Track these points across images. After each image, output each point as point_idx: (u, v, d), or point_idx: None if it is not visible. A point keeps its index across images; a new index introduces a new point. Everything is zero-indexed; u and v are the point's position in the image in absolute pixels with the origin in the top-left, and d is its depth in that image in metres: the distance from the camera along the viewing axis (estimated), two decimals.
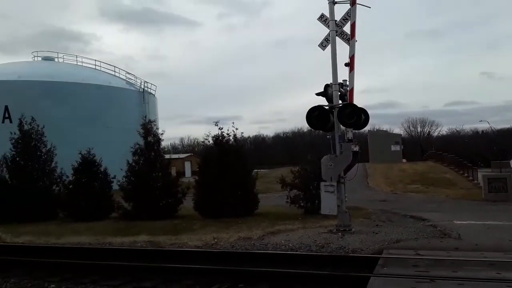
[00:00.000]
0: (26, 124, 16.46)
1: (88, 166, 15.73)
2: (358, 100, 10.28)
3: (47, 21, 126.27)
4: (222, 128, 14.85)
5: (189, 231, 11.62)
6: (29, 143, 16.27)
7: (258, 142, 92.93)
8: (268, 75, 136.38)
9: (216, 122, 14.94)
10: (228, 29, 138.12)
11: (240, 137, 15.48)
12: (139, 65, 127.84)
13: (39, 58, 39.23)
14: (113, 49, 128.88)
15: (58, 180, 16.29)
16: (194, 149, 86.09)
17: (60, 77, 33.02)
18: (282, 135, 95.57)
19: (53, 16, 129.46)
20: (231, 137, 14.94)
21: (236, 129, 14.97)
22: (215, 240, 9.61)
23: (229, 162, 14.27)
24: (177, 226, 12.64)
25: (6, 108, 30.14)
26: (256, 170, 15.70)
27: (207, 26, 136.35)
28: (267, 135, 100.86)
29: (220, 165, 14.21)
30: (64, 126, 28.33)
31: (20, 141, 16.25)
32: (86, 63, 38.84)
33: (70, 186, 15.68)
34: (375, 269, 5.97)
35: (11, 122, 28.09)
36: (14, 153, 16.22)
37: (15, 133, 16.34)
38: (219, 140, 14.82)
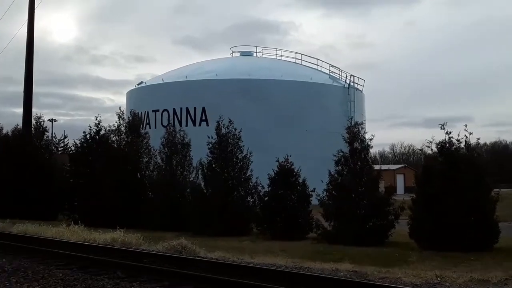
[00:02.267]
0: (223, 127, 18.45)
1: (285, 176, 16.73)
2: None
3: (242, 12, 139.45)
4: (450, 133, 13.97)
5: (403, 263, 11.28)
6: (226, 148, 18.20)
7: (497, 151, 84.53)
8: (509, 62, 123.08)
9: (442, 125, 14.08)
10: (454, 3, 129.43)
11: (475, 144, 14.32)
12: (341, 56, 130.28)
13: (238, 54, 43.71)
14: (312, 38, 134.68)
15: (253, 190, 17.78)
16: (408, 159, 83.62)
17: (258, 74, 36.16)
18: None
19: (248, 6, 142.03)
20: (462, 144, 13.96)
21: (470, 133, 13.90)
22: (438, 279, 9.10)
23: (459, 178, 13.34)
24: (388, 255, 12.42)
25: (203, 110, 34.40)
26: (496, 190, 14.32)
27: (426, 2, 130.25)
28: (511, 142, 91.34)
29: (446, 181, 13.41)
30: (259, 128, 30.90)
31: (217, 145, 18.31)
32: (286, 56, 41.69)
33: (266, 198, 16.94)
34: None
35: (207, 125, 31.92)
36: (211, 158, 18.37)
37: (212, 137, 18.48)
38: (445, 148, 13.99)
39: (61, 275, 9.37)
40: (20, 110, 28.42)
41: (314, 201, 16.59)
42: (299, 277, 8.78)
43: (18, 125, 27.82)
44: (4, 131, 27.93)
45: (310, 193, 16.69)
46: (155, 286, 8.30)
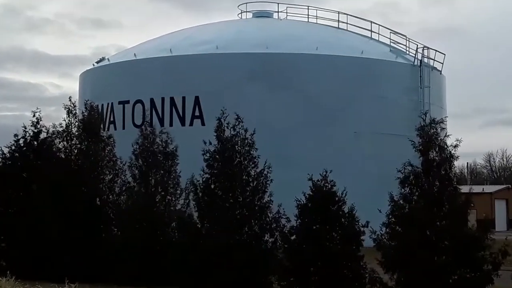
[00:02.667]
0: (227, 127, 18.55)
1: (323, 204, 16.63)
2: None
3: None
4: None
5: None
6: (232, 159, 18.37)
7: None
8: None
9: None
10: None
11: None
12: (409, 18, 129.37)
13: (249, 15, 43.81)
14: None
15: (274, 225, 17.78)
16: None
17: (280, 46, 36.19)
18: None
19: None
20: None
21: None
22: None
23: None
24: None
25: (197, 100, 34.40)
26: None
27: None
28: None
29: None
30: (282, 129, 30.94)
31: (217, 156, 18.51)
32: (323, 18, 41.65)
33: (293, 238, 16.87)
34: None
35: (203, 123, 32.33)
36: (208, 176, 18.47)
37: (210, 142, 18.54)
38: None
39: None
40: None
41: (367, 241, 16.48)
42: None
43: None
44: None
45: (362, 229, 16.60)
46: None
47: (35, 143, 22.67)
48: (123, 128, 34.34)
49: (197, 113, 34.37)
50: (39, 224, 20.65)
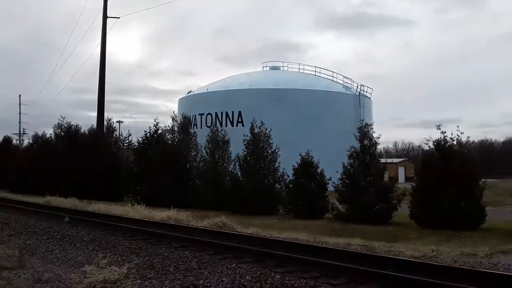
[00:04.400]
0: (256, 127, 18.53)
1: (306, 168, 16.69)
2: None
3: (269, 35, 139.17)
4: (445, 132, 13.76)
5: (405, 239, 11.12)
6: (258, 144, 18.27)
7: (485, 148, 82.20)
8: (491, 73, 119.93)
9: (438, 126, 13.87)
10: (446, 26, 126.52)
11: (466, 142, 14.07)
12: (351, 71, 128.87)
13: (267, 68, 43.68)
14: (326, 56, 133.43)
15: (280, 179, 17.82)
16: (408, 154, 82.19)
17: (284, 84, 36.05)
18: None
19: (275, 29, 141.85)
20: (454, 142, 13.72)
21: (462, 133, 13.68)
22: (434, 252, 8.95)
23: (452, 169, 13.09)
24: (392, 233, 12.26)
25: (240, 114, 34.52)
26: (483, 180, 14.00)
27: (423, 24, 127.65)
28: (496, 140, 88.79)
29: (442, 172, 13.17)
30: (285, 129, 30.58)
31: (251, 142, 18.41)
32: (307, 69, 41.44)
33: (290, 185, 16.94)
34: None
35: (243, 125, 32.00)
36: (246, 153, 18.47)
37: (247, 135, 18.60)
38: (441, 144, 13.75)
39: (127, 244, 9.60)
40: (94, 114, 29.14)
41: (330, 188, 16.52)
42: (318, 249, 8.77)
43: (93, 125, 28.57)
44: (82, 131, 28.62)
45: (327, 181, 16.62)
46: (202, 254, 8.40)
47: (155, 135, 22.85)
48: (201, 127, 34.36)
49: (239, 120, 34.49)
50: (157, 177, 20.89)
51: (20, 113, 62.82)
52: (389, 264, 7.35)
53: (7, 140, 39.18)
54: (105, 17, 30.63)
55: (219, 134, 20.78)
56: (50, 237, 10.76)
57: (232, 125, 34.08)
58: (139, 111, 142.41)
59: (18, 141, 51.65)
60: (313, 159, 16.95)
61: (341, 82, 39.28)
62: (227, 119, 35.20)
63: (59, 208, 17.07)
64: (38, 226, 12.33)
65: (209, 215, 14.43)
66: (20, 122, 62.24)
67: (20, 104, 62.88)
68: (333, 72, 40.14)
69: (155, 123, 23.00)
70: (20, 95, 63.78)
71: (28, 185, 27.05)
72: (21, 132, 60.10)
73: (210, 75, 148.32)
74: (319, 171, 16.83)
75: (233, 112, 34.99)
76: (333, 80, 39.38)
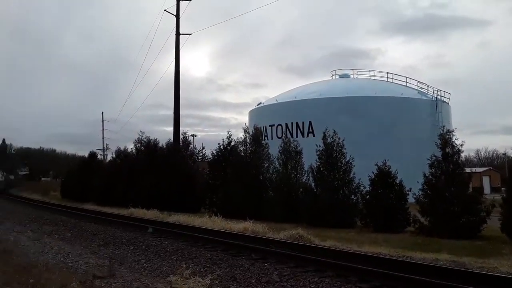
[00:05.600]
0: (328, 137, 18.23)
1: (384, 178, 16.11)
2: None
3: (335, 43, 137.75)
4: None
5: (498, 255, 10.28)
6: (331, 154, 17.94)
7: None
8: None
9: None
10: None
11: None
12: (422, 75, 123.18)
13: (337, 76, 43.13)
14: (396, 61, 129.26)
15: (356, 190, 17.33)
16: (492, 162, 76.59)
17: (355, 92, 35.36)
18: None
19: (341, 37, 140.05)
20: None
21: None
22: None
23: None
24: (482, 247, 11.46)
25: (310, 124, 34.30)
26: None
27: (498, 24, 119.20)
28: None
29: None
30: (358, 138, 29.86)
31: (323, 152, 18.13)
32: (378, 76, 40.37)
33: (367, 197, 16.42)
34: None
35: (314, 136, 31.81)
36: (319, 163, 18.22)
37: (319, 146, 18.35)
38: None
39: (209, 255, 9.82)
40: (167, 128, 30.61)
41: (410, 199, 15.78)
42: (403, 264, 8.37)
43: (170, 139, 29.81)
44: (159, 145, 29.93)
45: (407, 192, 15.90)
46: (283, 266, 8.37)
47: (228, 147, 23.31)
48: (271, 139, 34.64)
49: (310, 130, 34.24)
50: (231, 188, 21.23)
51: (103, 129, 67.25)
52: (483, 281, 6.87)
53: (92, 155, 42.02)
54: (178, 34, 32.06)
55: (291, 144, 20.70)
56: (136, 247, 11.31)
57: (303, 136, 33.86)
58: (210, 125, 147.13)
59: (101, 156, 55.22)
60: (390, 169, 16.33)
61: (416, 87, 37.75)
62: (297, 129, 35.09)
63: (142, 219, 17.93)
64: (125, 237, 13.01)
65: (284, 227, 14.37)
66: (103, 138, 66.67)
67: (103, 120, 67.39)
68: (406, 77, 38.76)
69: (228, 135, 23.53)
70: (102, 112, 68.49)
71: (112, 197, 28.75)
72: (105, 147, 64.40)
73: (276, 87, 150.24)
74: (397, 181, 16.17)
75: (303, 122, 34.84)
76: (406, 86, 37.95)
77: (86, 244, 12.39)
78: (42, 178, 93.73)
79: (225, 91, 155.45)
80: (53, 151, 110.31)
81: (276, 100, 39.44)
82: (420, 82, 37.96)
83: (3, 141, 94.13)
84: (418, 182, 14.98)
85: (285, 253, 9.61)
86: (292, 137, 28.12)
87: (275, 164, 21.35)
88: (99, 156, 48.62)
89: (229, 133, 23.60)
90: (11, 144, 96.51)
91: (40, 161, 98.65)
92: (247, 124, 25.88)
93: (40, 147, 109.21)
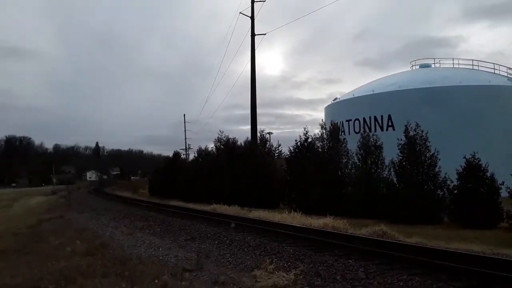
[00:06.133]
0: (411, 130, 17.46)
1: (473, 171, 15.14)
2: None
3: (412, 32, 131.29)
4: None
5: None
6: (414, 148, 17.17)
7: None
8: None
9: None
10: None
11: None
12: (510, 61, 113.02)
13: (417, 67, 41.12)
14: (481, 48, 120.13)
15: (442, 184, 16.43)
16: None
17: (437, 82, 33.38)
18: None
19: (418, 26, 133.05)
20: None
21: None
22: None
23: None
24: None
25: (389, 117, 33.04)
26: None
27: None
28: None
29: None
30: (442, 131, 28.23)
31: (406, 146, 17.40)
32: (462, 64, 37.88)
33: (455, 191, 15.52)
34: None
35: (393, 129, 30.60)
36: (401, 158, 17.52)
37: (401, 139, 17.63)
38: None
39: (291, 250, 9.86)
40: (244, 127, 31.23)
41: (503, 193, 14.63)
42: (499, 262, 7.77)
43: (248, 138, 30.40)
44: (238, 143, 30.63)
45: (499, 185, 14.77)
46: (368, 263, 8.19)
47: (305, 144, 23.21)
48: (349, 134, 33.88)
49: (389, 124, 32.90)
50: (309, 184, 21.14)
51: (185, 130, 70.34)
52: None
53: (176, 155, 44.11)
54: (253, 35, 32.57)
55: (371, 139, 20.11)
56: (220, 242, 11.68)
57: (382, 130, 32.63)
58: (285, 122, 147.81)
59: (184, 156, 57.74)
60: (480, 162, 15.28)
61: (505, 74, 34.79)
62: (376, 123, 33.91)
63: (224, 215, 18.46)
64: (209, 232, 13.50)
65: (365, 223, 14.03)
66: (185, 138, 69.75)
67: (184, 122, 70.54)
68: (494, 64, 35.86)
69: (304, 131, 23.40)
70: (184, 115, 71.62)
71: (195, 194, 29.99)
72: (187, 147, 67.35)
73: (351, 81, 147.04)
74: (488, 175, 15.07)
75: (382, 116, 33.58)
76: (494, 73, 35.11)
77: (174, 238, 13.04)
78: (132, 177, 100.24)
79: (299, 88, 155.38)
80: (141, 152, 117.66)
81: (353, 95, 38.46)
82: (510, 68, 35.00)
83: (96, 144, 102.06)
84: (511, 175, 13.84)
85: (370, 249, 9.37)
86: (370, 131, 27.23)
87: (353, 159, 20.89)
88: (182, 156, 50.92)
89: (306, 129, 23.54)
90: (103, 147, 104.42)
91: (129, 162, 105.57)
92: (323, 120, 25.54)
93: (129, 149, 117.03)
